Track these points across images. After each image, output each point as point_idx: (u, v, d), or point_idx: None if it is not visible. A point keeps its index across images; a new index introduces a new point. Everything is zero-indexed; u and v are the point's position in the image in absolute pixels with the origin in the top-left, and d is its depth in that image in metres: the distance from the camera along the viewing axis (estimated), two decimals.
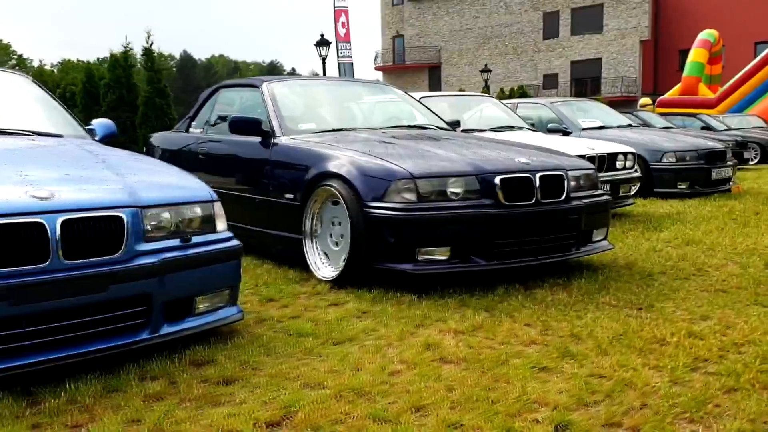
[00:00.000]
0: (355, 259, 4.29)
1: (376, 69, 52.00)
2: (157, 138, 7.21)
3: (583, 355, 3.06)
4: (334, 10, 20.81)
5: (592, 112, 11.25)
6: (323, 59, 20.37)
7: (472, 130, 7.93)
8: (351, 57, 20.86)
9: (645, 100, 26.87)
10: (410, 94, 6.84)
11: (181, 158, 6.47)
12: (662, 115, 19.96)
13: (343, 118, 5.63)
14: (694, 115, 19.71)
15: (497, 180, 4.29)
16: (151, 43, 11.89)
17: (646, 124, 14.93)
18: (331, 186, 4.46)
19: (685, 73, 28.20)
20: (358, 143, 4.82)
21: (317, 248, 4.71)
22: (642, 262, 5.18)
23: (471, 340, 3.31)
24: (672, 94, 28.60)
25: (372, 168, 4.33)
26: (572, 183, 4.74)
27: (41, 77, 11.96)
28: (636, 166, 9.25)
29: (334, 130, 5.28)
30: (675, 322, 3.57)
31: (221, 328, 3.41)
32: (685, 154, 9.49)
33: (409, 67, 50.51)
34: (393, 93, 6.45)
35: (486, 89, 27.61)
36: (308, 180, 4.69)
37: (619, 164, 7.57)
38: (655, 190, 9.42)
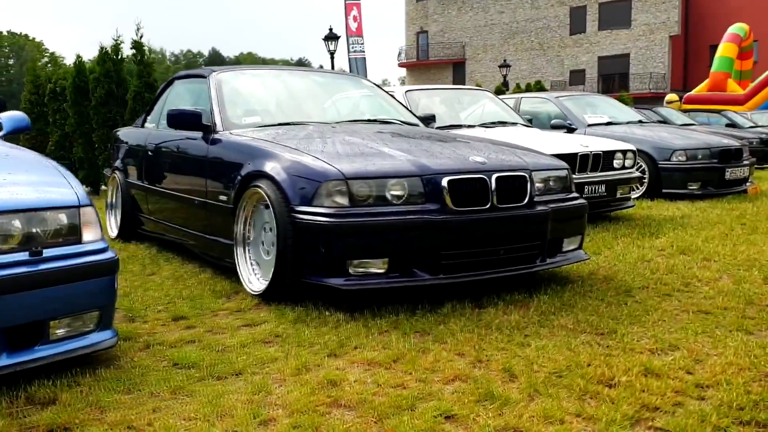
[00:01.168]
0: (282, 272, 3.76)
1: (400, 65, 51.42)
2: (122, 133, 6.76)
3: (506, 400, 2.49)
4: (345, 4, 20.26)
5: (600, 108, 10.60)
6: (332, 54, 19.84)
7: (458, 126, 7.37)
8: (363, 52, 20.30)
9: (671, 96, 25.98)
10: (384, 88, 6.30)
11: (137, 155, 6.01)
12: (686, 111, 19.17)
13: (295, 111, 5.09)
14: (718, 112, 18.86)
15: (444, 182, 3.73)
16: (141, 36, 11.45)
17: (664, 121, 14.21)
18: (260, 187, 3.94)
19: (713, 69, 27.22)
20: (296, 139, 4.28)
21: (249, 257, 4.19)
22: (623, 275, 4.58)
23: (382, 376, 2.76)
24: (700, 90, 27.63)
25: (302, 167, 3.79)
26: (538, 185, 4.17)
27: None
28: (642, 165, 8.64)
29: (280, 125, 4.75)
30: (634, 354, 2.99)
31: (94, 355, 2.90)
32: (696, 152, 8.82)
33: (433, 64, 49.82)
34: (362, 86, 5.90)
35: (505, 85, 26.89)
36: (240, 180, 4.17)
37: (616, 163, 6.95)
38: (663, 190, 8.76)
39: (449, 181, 3.74)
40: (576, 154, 6.59)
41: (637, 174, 7.21)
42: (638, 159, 8.68)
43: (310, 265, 3.66)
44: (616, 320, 3.52)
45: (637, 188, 8.92)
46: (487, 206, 3.82)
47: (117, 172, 6.42)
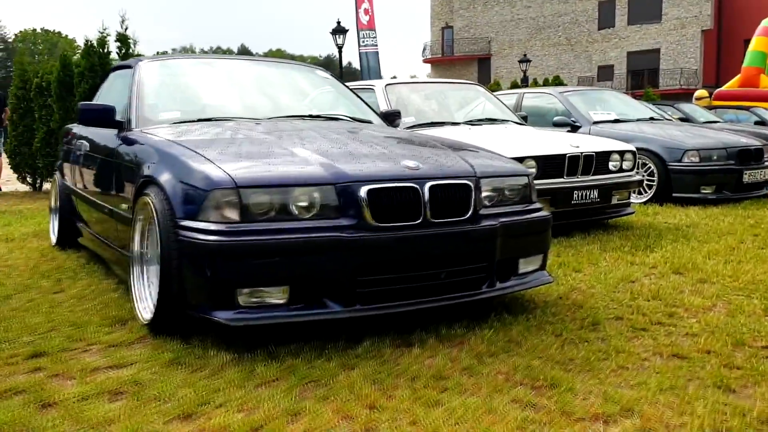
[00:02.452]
0: (166, 300, 3.11)
1: (424, 61, 50.61)
2: (65, 129, 6.20)
3: None
4: None
5: (610, 104, 9.83)
6: (339, 48, 19.13)
7: (441, 124, 6.69)
8: (376, 46, 19.58)
9: (701, 92, 24.89)
10: (346, 84, 5.63)
11: (69, 155, 5.43)
12: (713, 108, 18.23)
13: (225, 105, 4.44)
14: (747, 109, 17.87)
15: (363, 191, 3.05)
16: (126, 28, 10.91)
17: (686, 118, 13.35)
18: (149, 196, 3.30)
19: (744, 64, 26.03)
20: (202, 138, 3.63)
21: (146, 278, 3.54)
22: (597, 301, 3.87)
23: None
24: (730, 86, 26.47)
25: (189, 173, 3.14)
26: (488, 194, 3.48)
27: None
28: (651, 167, 7.88)
29: (199, 121, 4.10)
30: (569, 422, 2.29)
31: None
32: (711, 152, 8.02)
33: (458, 59, 48.93)
34: (316, 77, 5.22)
35: (524, 81, 26.04)
36: (137, 186, 3.54)
37: (613, 165, 6.20)
38: (673, 194, 7.98)
39: (369, 191, 3.06)
40: (564, 155, 5.87)
41: (638, 177, 6.45)
42: (646, 160, 7.96)
43: (194, 294, 3.01)
44: (564, 367, 2.82)
45: (645, 192, 8.15)
46: (418, 221, 3.14)
47: (57, 172, 5.85)
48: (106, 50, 11.20)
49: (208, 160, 3.13)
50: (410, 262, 3.14)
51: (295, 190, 3.02)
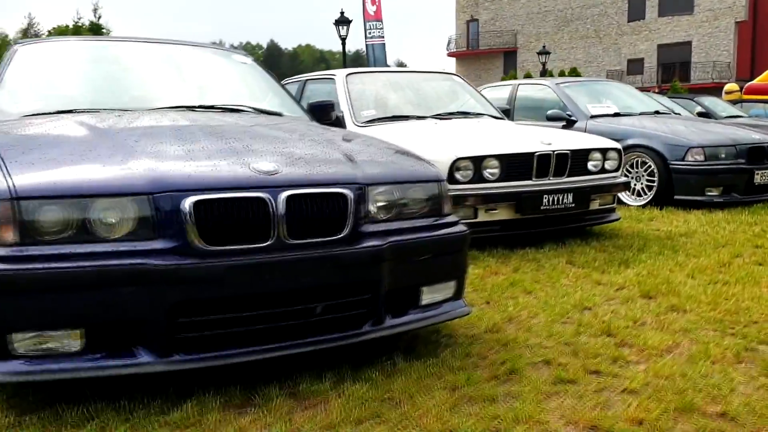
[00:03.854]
0: None
1: (449, 55, 49.66)
2: None
3: None
4: None
5: (613, 95, 9.00)
6: (343, 40, 18.36)
7: (405, 118, 5.94)
8: (383, 37, 18.79)
9: (730, 86, 23.72)
10: (275, 75, 4.88)
11: None
12: (737, 102, 17.20)
13: (98, 94, 3.73)
14: None
15: (187, 204, 2.32)
16: (99, 17, 10.32)
17: (706, 113, 12.38)
18: None
19: None
20: (27, 134, 2.94)
21: None
22: (530, 336, 3.11)
23: None
24: (762, 79, 25.22)
25: None
26: (380, 206, 2.73)
27: None
28: (650, 166, 7.07)
29: (58, 113, 3.40)
30: None
31: None
32: (717, 150, 7.15)
33: (484, 53, 47.91)
34: (231, 62, 4.49)
35: (543, 74, 25.10)
36: None
37: (593, 165, 5.39)
38: (675, 197, 7.13)
39: (197, 203, 2.33)
40: (532, 154, 5.08)
41: (623, 180, 5.63)
42: (646, 158, 7.14)
43: None
44: None
45: (645, 194, 7.32)
46: (268, 242, 2.40)
47: None
48: None
49: (2, 166, 2.42)
50: (253, 298, 2.41)
51: (97, 203, 2.30)
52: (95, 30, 9.92)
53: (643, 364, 2.78)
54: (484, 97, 6.87)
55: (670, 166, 7.10)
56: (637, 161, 7.38)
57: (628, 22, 43.08)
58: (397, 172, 2.87)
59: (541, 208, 5.07)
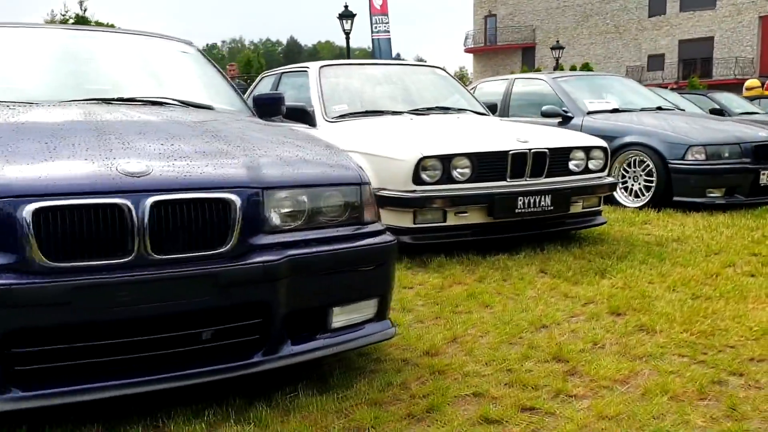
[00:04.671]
0: None
1: (466, 51, 49.09)
2: None
3: None
4: None
5: (614, 90, 8.55)
6: (347, 34, 17.94)
7: (380, 113, 5.56)
8: (388, 32, 18.38)
9: (751, 82, 23.04)
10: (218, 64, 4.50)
11: None
12: (757, 98, 16.61)
13: (8, 84, 3.36)
14: None
15: (27, 212, 1.95)
16: (85, 9, 10.04)
17: (720, 109, 11.85)
18: None
19: None
20: None
21: None
22: (468, 362, 2.73)
23: None
24: None
25: None
26: (285, 212, 2.35)
27: None
28: (649, 165, 6.64)
29: None
30: None
31: None
32: (720, 148, 6.67)
33: (501, 49, 47.25)
34: (171, 53, 4.11)
35: (557, 69, 24.56)
36: None
37: (574, 165, 4.97)
38: (674, 198, 6.67)
39: (38, 211, 1.96)
40: (506, 152, 4.67)
41: (609, 180, 5.20)
42: (644, 157, 6.70)
43: None
44: None
45: (642, 195, 6.88)
46: (128, 258, 2.03)
47: None
48: None
49: None
50: (110, 324, 2.04)
51: None
52: (82, 23, 9.64)
53: (589, 399, 2.37)
54: (469, 91, 6.45)
55: (669, 165, 6.64)
56: (635, 160, 6.94)
57: (649, 17, 42.27)
58: (308, 173, 2.47)
59: (516, 211, 4.66)
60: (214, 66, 4.12)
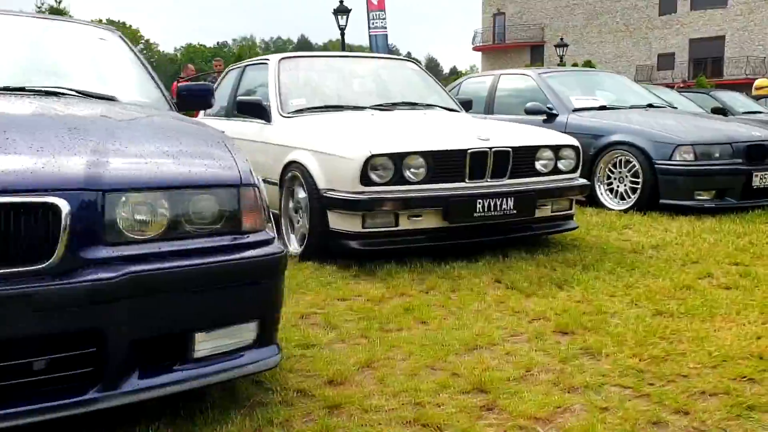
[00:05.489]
0: None
1: (474, 49, 48.65)
2: None
3: None
4: None
5: (604, 87, 8.17)
6: (342, 30, 17.57)
7: (339, 108, 5.19)
8: (385, 28, 17.97)
9: (761, 81, 22.48)
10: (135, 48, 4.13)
11: None
12: (765, 98, 16.12)
13: None
14: None
15: None
16: (59, 2, 9.68)
17: (722, 108, 11.39)
18: None
19: None
20: None
21: None
22: (376, 393, 2.36)
23: None
24: None
25: None
26: (123, 222, 1.98)
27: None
28: (635, 165, 6.25)
29: None
30: None
31: None
32: (710, 148, 6.25)
33: (510, 47, 46.76)
34: (87, 40, 3.75)
35: (561, 65, 24.09)
36: None
37: (541, 165, 4.58)
38: (661, 201, 6.25)
39: None
40: (464, 151, 4.28)
41: (581, 182, 4.80)
42: (630, 157, 6.30)
43: None
44: None
45: (628, 197, 6.47)
46: None
47: None
48: None
49: None
50: None
51: None
52: (57, 14, 9.32)
53: None
54: (441, 86, 6.06)
55: (656, 165, 6.23)
56: (621, 160, 6.53)
57: (659, 15, 41.71)
58: (170, 173, 2.09)
59: (475, 215, 4.27)
60: (136, 55, 3.75)
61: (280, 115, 5.12)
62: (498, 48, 47.28)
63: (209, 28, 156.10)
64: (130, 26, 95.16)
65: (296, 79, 5.54)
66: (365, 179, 4.09)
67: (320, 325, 3.11)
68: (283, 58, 5.67)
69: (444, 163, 4.25)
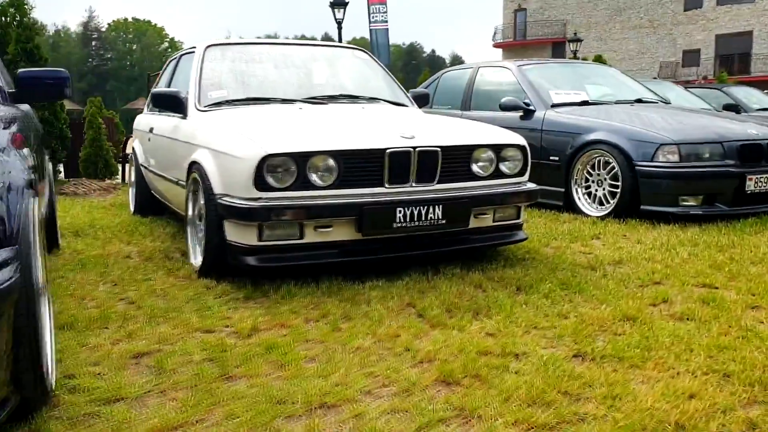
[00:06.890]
0: None
1: (495, 46, 47.71)
2: None
3: None
4: None
5: (592, 80, 7.47)
6: (339, 23, 16.89)
7: (265, 100, 4.58)
8: (386, 22, 17.27)
9: None
10: None
11: None
12: None
13: None
14: None
15: None
16: None
17: (735, 104, 10.58)
18: None
19: None
20: None
21: None
22: None
23: None
24: None
25: None
26: None
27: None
28: (614, 167, 5.58)
29: None
30: None
31: None
32: (698, 147, 5.54)
33: (531, 43, 45.79)
34: None
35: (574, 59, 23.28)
36: None
37: (479, 167, 3.93)
38: (642, 207, 5.55)
39: None
40: (382, 150, 3.64)
41: (529, 187, 4.13)
42: (609, 157, 5.63)
43: None
44: None
45: (607, 202, 5.78)
46: None
47: None
48: (7, 20, 9.48)
49: None
50: None
51: None
52: (18, 6, 8.79)
53: None
54: (392, 77, 5.40)
55: (636, 167, 5.52)
56: (599, 161, 5.84)
57: (684, 11, 40.55)
58: None
59: (394, 225, 3.63)
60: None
61: (196, 108, 4.53)
62: (519, 44, 46.33)
63: (234, 26, 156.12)
64: (155, 24, 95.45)
65: (222, 69, 4.93)
66: (261, 183, 3.47)
67: (149, 370, 2.49)
68: (210, 46, 5.07)
69: (358, 165, 3.62)
